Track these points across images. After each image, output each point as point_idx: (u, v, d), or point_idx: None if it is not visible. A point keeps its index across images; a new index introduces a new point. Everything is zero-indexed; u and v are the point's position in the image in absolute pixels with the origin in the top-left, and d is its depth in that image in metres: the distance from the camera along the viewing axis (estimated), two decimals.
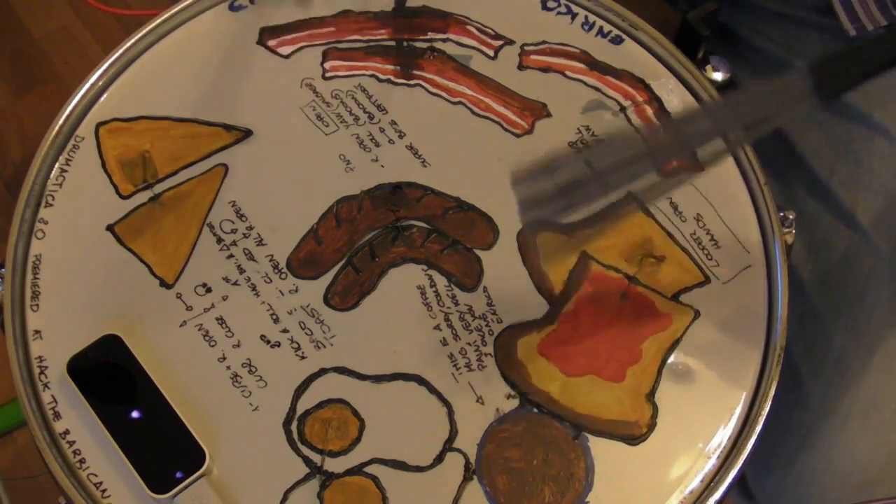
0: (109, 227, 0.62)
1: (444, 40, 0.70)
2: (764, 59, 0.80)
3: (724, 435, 0.57)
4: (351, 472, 0.55)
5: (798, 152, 0.76)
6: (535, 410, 0.57)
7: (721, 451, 0.57)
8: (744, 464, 0.56)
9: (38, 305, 0.59)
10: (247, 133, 0.65)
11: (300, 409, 0.57)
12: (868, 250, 0.70)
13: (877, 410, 0.67)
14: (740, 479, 0.76)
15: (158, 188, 0.63)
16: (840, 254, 0.72)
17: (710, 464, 0.56)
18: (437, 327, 0.60)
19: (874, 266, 0.70)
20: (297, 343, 0.59)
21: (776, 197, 0.64)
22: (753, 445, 0.56)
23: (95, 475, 0.55)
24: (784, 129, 0.77)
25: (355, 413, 0.57)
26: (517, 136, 0.66)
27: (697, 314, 0.61)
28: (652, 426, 0.57)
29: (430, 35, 0.70)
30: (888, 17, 0.72)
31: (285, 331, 0.59)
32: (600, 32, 0.71)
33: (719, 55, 0.78)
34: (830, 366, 0.69)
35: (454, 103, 0.67)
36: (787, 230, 0.64)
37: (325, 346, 0.59)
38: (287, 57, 0.69)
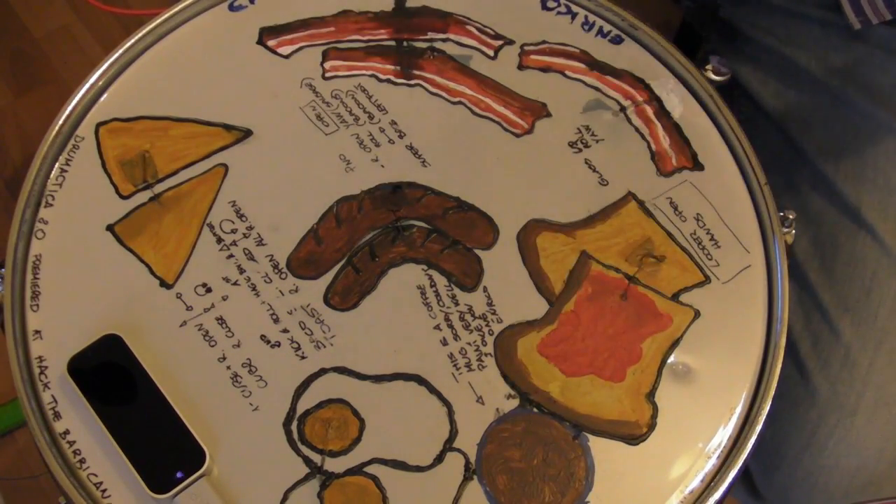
0: (109, 227, 0.62)
1: (444, 40, 0.70)
2: (767, 56, 0.80)
3: (724, 435, 0.57)
4: (351, 472, 0.55)
5: (802, 149, 0.76)
6: (535, 410, 0.57)
7: (721, 451, 0.57)
8: (744, 464, 0.56)
9: (38, 305, 0.59)
10: (247, 133, 0.65)
11: (300, 409, 0.57)
12: (873, 246, 0.70)
13: (884, 406, 0.67)
14: (746, 478, 0.76)
15: (158, 188, 0.63)
16: (846, 250, 0.71)
17: (710, 463, 0.56)
18: (437, 327, 0.60)
19: (880, 262, 0.70)
20: (297, 343, 0.59)
21: (781, 194, 0.64)
22: (753, 445, 0.56)
23: (95, 475, 0.55)
24: (788, 127, 0.77)
25: (355, 413, 0.57)
26: (517, 135, 0.66)
27: (697, 314, 0.61)
28: (652, 426, 0.57)
29: (430, 35, 0.70)
30: (894, 11, 0.71)
31: (285, 331, 0.59)
32: (600, 32, 0.71)
33: (721, 52, 0.78)
34: (837, 362, 0.69)
35: (454, 103, 0.67)
36: (787, 230, 0.64)
37: (325, 346, 0.59)
38: (287, 57, 0.69)
